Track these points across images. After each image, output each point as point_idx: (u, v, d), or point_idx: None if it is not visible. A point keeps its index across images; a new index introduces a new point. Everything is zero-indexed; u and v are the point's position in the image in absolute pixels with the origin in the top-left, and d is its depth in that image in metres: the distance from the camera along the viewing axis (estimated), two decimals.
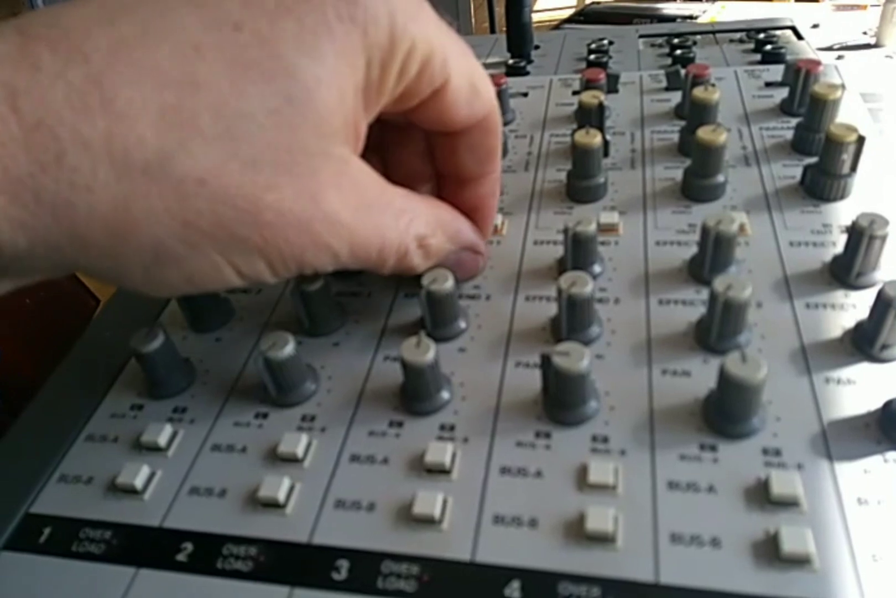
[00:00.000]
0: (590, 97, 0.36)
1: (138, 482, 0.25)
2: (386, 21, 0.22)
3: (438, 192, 0.31)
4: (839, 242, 0.30)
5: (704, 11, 0.83)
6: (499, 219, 0.34)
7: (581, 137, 0.33)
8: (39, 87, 0.18)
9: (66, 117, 0.18)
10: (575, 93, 0.44)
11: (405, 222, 0.25)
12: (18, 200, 0.18)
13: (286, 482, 0.24)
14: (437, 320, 0.29)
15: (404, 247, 0.25)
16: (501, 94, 0.41)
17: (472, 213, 0.30)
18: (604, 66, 0.47)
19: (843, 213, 0.32)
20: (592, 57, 0.49)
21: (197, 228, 0.20)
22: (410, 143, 0.29)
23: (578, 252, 0.30)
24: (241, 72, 0.20)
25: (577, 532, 0.22)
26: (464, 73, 0.25)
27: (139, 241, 0.20)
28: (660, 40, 0.52)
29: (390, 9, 0.22)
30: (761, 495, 0.22)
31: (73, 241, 0.19)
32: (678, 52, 0.47)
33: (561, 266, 0.31)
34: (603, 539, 0.22)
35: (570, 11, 1.13)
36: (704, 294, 0.29)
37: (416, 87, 0.24)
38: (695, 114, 0.36)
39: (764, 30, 0.51)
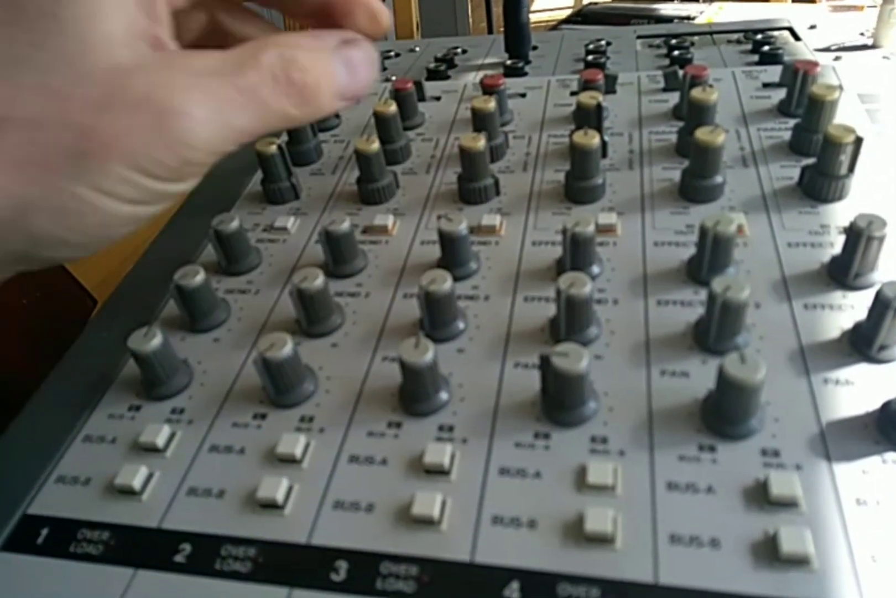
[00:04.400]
0: (588, 98, 0.36)
1: (136, 483, 0.25)
2: None
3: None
4: (837, 243, 0.30)
5: (702, 12, 0.83)
6: (497, 219, 0.34)
7: (579, 137, 0.33)
8: None
9: None
10: (573, 93, 0.44)
11: (246, 58, 0.23)
12: None
13: (284, 483, 0.24)
14: (436, 320, 0.29)
15: (267, 75, 0.23)
16: (500, 95, 0.41)
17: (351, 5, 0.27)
18: (602, 66, 0.48)
19: (840, 214, 0.32)
20: (590, 58, 0.49)
21: (31, 164, 0.20)
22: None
23: (577, 253, 0.30)
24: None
25: (577, 533, 0.22)
26: None
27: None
28: (657, 41, 0.52)
29: None
30: (760, 496, 0.22)
31: None
32: (676, 52, 0.47)
33: (559, 267, 0.31)
34: (602, 540, 0.22)
35: (568, 12, 1.14)
36: (703, 295, 0.29)
37: None
38: (693, 115, 0.36)
39: (761, 31, 0.51)
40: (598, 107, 0.36)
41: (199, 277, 0.30)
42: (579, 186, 0.35)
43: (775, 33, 0.50)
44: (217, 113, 0.22)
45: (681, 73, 0.40)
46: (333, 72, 0.25)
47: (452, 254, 0.31)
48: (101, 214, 0.22)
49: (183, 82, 0.22)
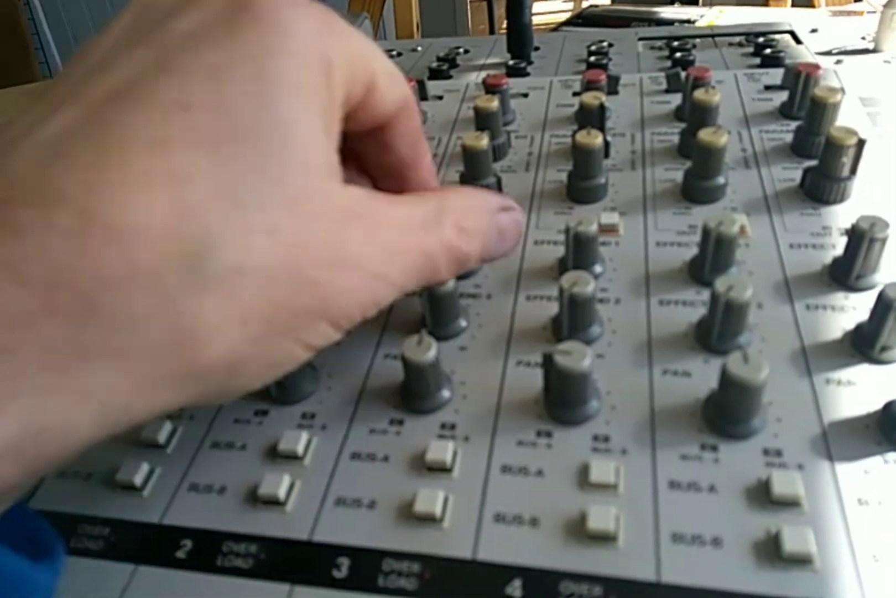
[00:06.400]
0: (591, 98, 0.36)
1: (137, 479, 0.25)
2: (316, 55, 0.21)
3: None
4: (839, 245, 0.30)
5: (702, 16, 0.83)
6: None
7: (582, 137, 0.33)
8: (34, 249, 0.16)
9: (72, 263, 0.16)
10: (575, 94, 0.44)
11: (430, 222, 0.24)
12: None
13: (286, 480, 0.24)
14: (438, 318, 0.29)
15: (446, 242, 0.24)
16: (503, 95, 0.41)
17: None
18: (604, 67, 0.48)
19: (842, 216, 0.32)
20: (592, 59, 0.49)
21: (254, 320, 0.19)
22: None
23: (579, 252, 0.30)
24: (215, 151, 0.18)
25: (579, 531, 0.22)
26: (380, 61, 0.24)
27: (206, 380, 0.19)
28: (659, 43, 0.53)
29: (313, 30, 0.21)
30: (762, 496, 0.22)
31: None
32: (678, 54, 0.48)
33: (562, 266, 0.31)
34: (604, 538, 0.22)
35: (568, 15, 1.14)
36: (705, 295, 0.29)
37: (360, 100, 0.24)
38: (695, 116, 0.36)
39: (763, 34, 0.51)
40: (601, 107, 0.36)
41: None
42: (582, 185, 0.35)
43: (777, 37, 0.51)
44: (405, 278, 0.23)
45: (683, 74, 0.40)
46: (487, 239, 0.25)
47: None
48: (294, 363, 0.21)
49: (387, 243, 0.22)
